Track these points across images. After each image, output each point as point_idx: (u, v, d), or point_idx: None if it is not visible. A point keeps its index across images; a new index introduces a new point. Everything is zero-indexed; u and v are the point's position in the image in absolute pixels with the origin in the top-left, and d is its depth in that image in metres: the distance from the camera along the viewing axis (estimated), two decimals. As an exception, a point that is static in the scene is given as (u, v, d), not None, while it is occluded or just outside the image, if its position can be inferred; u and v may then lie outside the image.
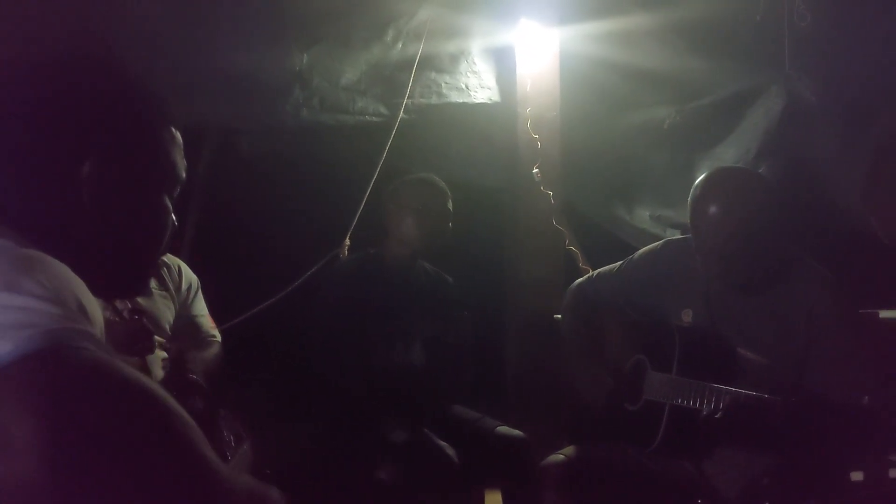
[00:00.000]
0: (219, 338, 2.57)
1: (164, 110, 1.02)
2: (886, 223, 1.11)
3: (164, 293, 2.44)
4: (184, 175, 1.04)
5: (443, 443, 2.42)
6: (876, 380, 1.95)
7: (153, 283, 2.42)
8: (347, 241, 3.01)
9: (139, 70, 1.01)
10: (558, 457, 2.15)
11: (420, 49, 3.19)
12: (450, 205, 2.68)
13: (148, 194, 0.99)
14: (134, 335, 2.16)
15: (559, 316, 2.65)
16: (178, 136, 1.03)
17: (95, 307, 0.82)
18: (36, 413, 0.67)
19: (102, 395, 0.70)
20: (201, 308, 2.56)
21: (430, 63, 3.27)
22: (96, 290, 0.84)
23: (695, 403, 1.92)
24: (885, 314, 2.81)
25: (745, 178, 2.10)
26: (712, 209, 1.98)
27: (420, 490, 2.36)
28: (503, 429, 2.55)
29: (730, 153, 3.43)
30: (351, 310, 2.54)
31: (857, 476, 2.65)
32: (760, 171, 3.15)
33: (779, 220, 2.01)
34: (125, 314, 2.18)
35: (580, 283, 2.45)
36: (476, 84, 3.36)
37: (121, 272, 1.00)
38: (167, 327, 2.40)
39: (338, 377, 2.50)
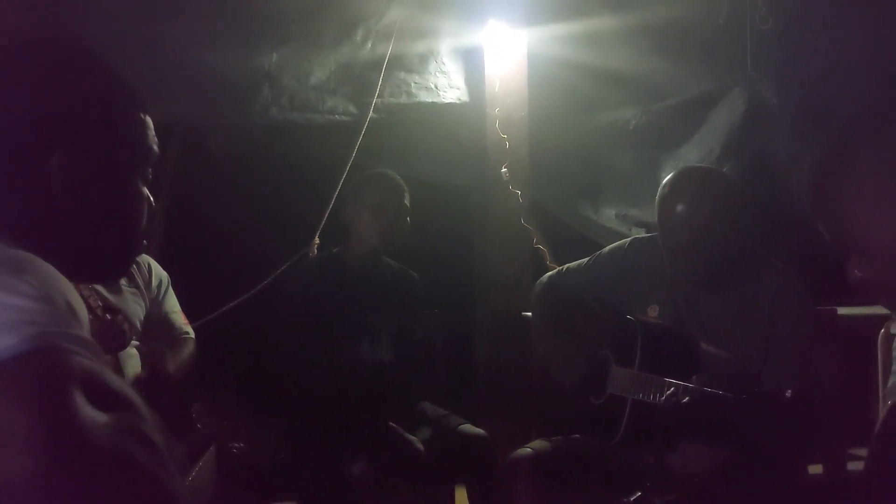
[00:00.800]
0: (192, 334, 2.57)
1: (132, 94, 1.01)
2: (830, 224, 1.15)
3: (133, 290, 2.43)
4: (156, 153, 1.03)
5: (411, 437, 2.44)
6: (833, 375, 2.00)
7: (123, 281, 2.41)
8: (317, 240, 3.02)
9: (103, 55, 1.00)
10: (525, 450, 2.18)
11: (389, 49, 3.20)
12: (407, 200, 2.66)
13: (121, 179, 0.99)
14: (107, 332, 2.15)
15: (527, 313, 2.69)
16: (149, 119, 1.02)
17: (82, 307, 0.82)
18: (26, 415, 0.67)
19: (91, 400, 0.71)
20: (173, 305, 2.55)
21: (399, 63, 3.29)
22: (81, 276, 0.84)
23: (655, 398, 1.96)
24: (842, 311, 2.88)
25: (712, 178, 2.15)
26: (679, 207, 2.02)
27: (390, 484, 2.38)
28: (465, 427, 2.54)
29: (693, 153, 3.49)
30: (314, 310, 2.53)
31: (815, 469, 2.72)
32: (723, 171, 3.21)
33: (743, 219, 2.06)
34: (98, 312, 2.18)
35: (549, 277, 2.48)
36: (445, 84, 3.38)
37: (103, 256, 0.99)
38: (138, 324, 2.40)
39: (304, 377, 2.51)
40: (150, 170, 1.02)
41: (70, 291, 0.81)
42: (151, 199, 1.02)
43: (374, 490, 2.33)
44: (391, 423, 2.48)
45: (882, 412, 2.48)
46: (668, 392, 1.88)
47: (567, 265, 2.46)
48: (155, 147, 1.02)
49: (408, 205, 2.66)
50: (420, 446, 2.42)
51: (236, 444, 1.45)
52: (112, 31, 2.76)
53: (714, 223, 2.00)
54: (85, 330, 0.79)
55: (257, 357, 2.69)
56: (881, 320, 2.61)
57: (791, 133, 3.44)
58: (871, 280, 1.10)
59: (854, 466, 2.78)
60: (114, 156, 0.97)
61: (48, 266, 0.82)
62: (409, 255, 2.80)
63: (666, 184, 2.08)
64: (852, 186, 1.07)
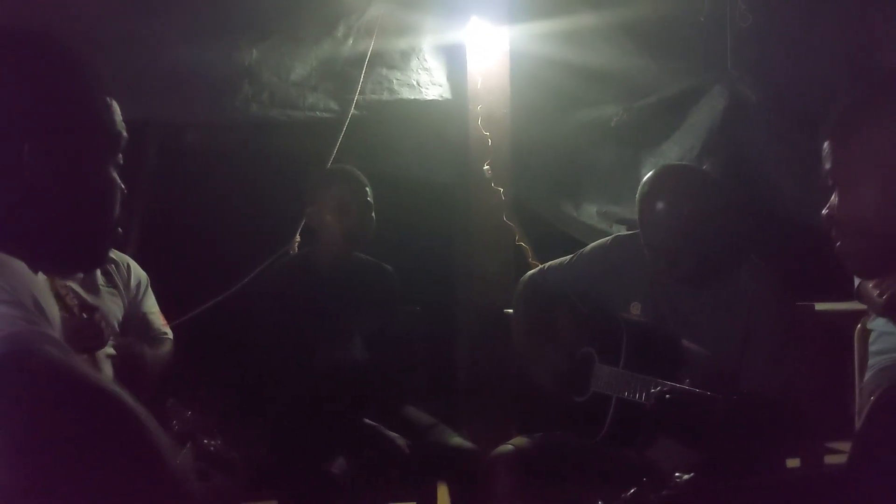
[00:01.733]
0: (170, 335, 2.55)
1: (97, 78, 0.99)
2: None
3: (112, 290, 2.41)
4: (125, 138, 1.01)
5: (393, 434, 2.43)
6: (811, 370, 2.02)
7: (101, 280, 2.39)
8: (297, 238, 3.00)
9: (64, 41, 0.98)
10: (507, 447, 2.18)
11: (371, 45, 3.19)
12: (369, 194, 2.58)
13: (92, 165, 0.97)
14: (84, 331, 2.13)
15: (509, 310, 2.69)
16: (114, 103, 1.00)
17: (52, 305, 0.81)
18: (3, 416, 0.66)
19: (63, 399, 0.70)
20: (151, 305, 2.53)
21: (381, 59, 3.27)
22: (56, 267, 0.82)
23: (640, 397, 1.97)
24: (820, 306, 2.91)
25: (692, 176, 2.17)
26: (659, 205, 2.04)
27: (371, 481, 2.37)
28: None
29: (674, 150, 3.51)
30: (285, 313, 2.50)
31: (794, 462, 2.75)
32: (704, 168, 3.23)
33: (723, 217, 2.08)
34: (75, 310, 2.16)
35: (531, 275, 2.48)
36: (427, 81, 3.37)
37: (78, 244, 0.98)
38: (116, 324, 2.37)
39: (279, 377, 2.48)
40: (120, 156, 1.00)
41: (39, 289, 0.80)
42: (123, 186, 1.00)
43: (354, 488, 2.32)
44: (371, 422, 2.46)
45: (859, 406, 2.51)
46: (654, 390, 1.89)
47: (549, 263, 2.47)
48: (124, 132, 1.01)
49: (371, 200, 2.58)
50: (402, 443, 2.41)
51: (212, 442, 1.44)
52: (89, 27, 2.73)
53: (694, 221, 2.01)
54: (56, 330, 0.78)
55: (234, 357, 2.67)
56: (858, 316, 2.64)
57: (771, 130, 3.47)
58: (844, 248, 1.15)
59: (832, 460, 2.82)
60: (84, 142, 0.96)
61: (17, 263, 0.81)
62: (391, 252, 2.78)
63: (646, 182, 2.10)
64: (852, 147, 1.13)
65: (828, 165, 1.18)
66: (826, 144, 1.18)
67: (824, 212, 1.21)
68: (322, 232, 2.60)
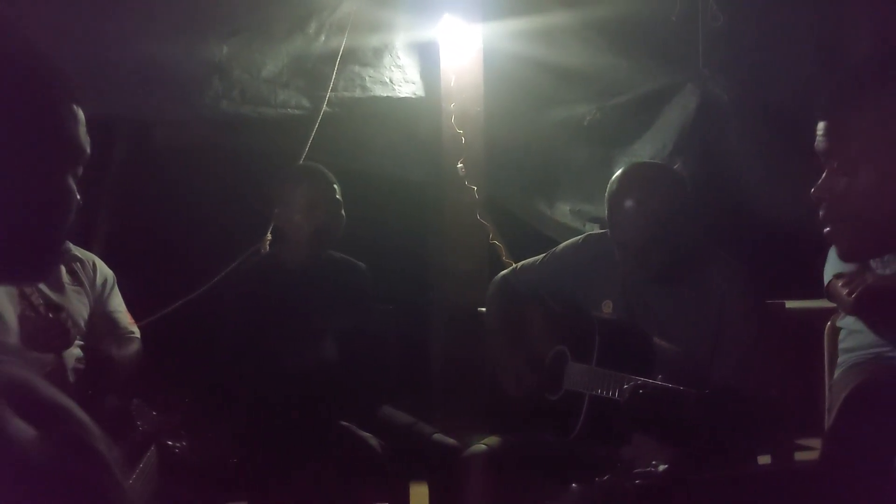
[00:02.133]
0: (137, 334, 2.51)
1: (63, 85, 0.95)
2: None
3: (77, 288, 2.37)
4: (88, 152, 0.98)
5: (366, 434, 2.41)
6: (781, 368, 2.04)
7: (66, 279, 2.35)
8: (269, 236, 2.96)
9: (33, 44, 0.95)
10: (480, 447, 2.17)
11: (343, 42, 3.17)
12: (338, 192, 2.54)
13: (50, 175, 0.94)
14: (50, 331, 2.09)
15: (483, 309, 2.68)
16: (80, 112, 0.96)
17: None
18: None
19: (17, 411, 0.67)
20: (118, 304, 2.49)
21: (353, 56, 3.25)
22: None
23: (613, 394, 1.97)
24: (791, 304, 2.93)
25: (658, 173, 2.18)
26: (627, 203, 2.05)
27: (343, 483, 2.35)
28: (439, 436, 2.49)
29: (647, 149, 3.53)
30: (254, 315, 2.46)
31: (765, 459, 2.77)
32: (676, 166, 3.25)
33: (691, 214, 2.09)
34: (41, 309, 2.12)
35: (503, 275, 2.48)
36: (400, 78, 3.36)
37: (26, 257, 0.95)
38: (82, 323, 2.34)
39: (248, 379, 2.45)
40: (81, 166, 0.96)
41: None
42: (78, 196, 0.97)
43: (325, 489, 2.29)
44: (344, 423, 2.44)
45: (829, 403, 2.53)
46: (627, 386, 1.89)
47: (521, 263, 2.46)
48: (86, 145, 0.97)
49: (340, 198, 2.54)
50: (374, 443, 2.39)
51: (178, 444, 1.41)
52: (55, 21, 2.68)
53: (661, 217, 2.02)
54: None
55: (203, 358, 2.62)
56: (828, 314, 2.66)
57: (743, 128, 3.50)
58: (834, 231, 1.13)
59: (802, 457, 2.84)
60: (43, 149, 0.92)
61: None
62: (364, 250, 2.76)
63: (614, 180, 2.11)
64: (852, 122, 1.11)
65: (822, 145, 1.16)
66: (821, 125, 1.16)
67: (813, 191, 1.18)
68: (291, 232, 2.55)
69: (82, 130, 0.96)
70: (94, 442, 0.70)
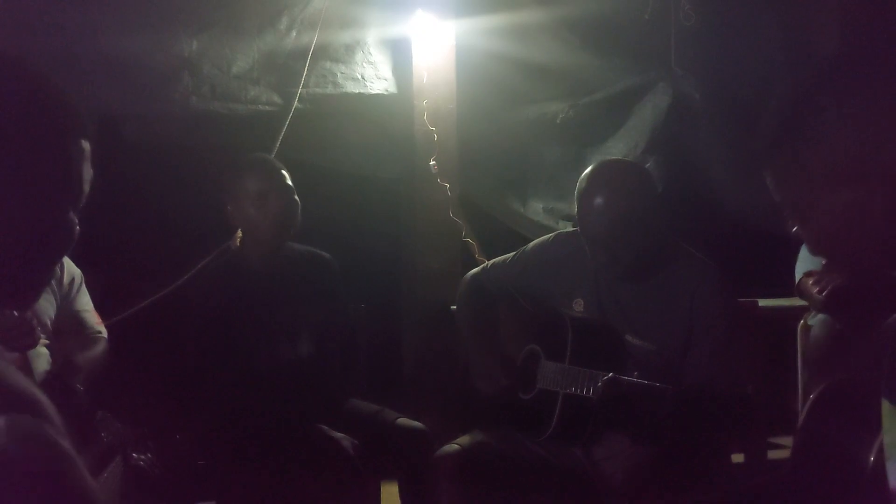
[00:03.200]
0: (105, 333, 2.47)
1: (73, 120, 0.93)
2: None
3: (43, 287, 2.32)
4: (90, 184, 0.96)
5: (338, 434, 2.38)
6: (754, 366, 2.05)
7: (32, 277, 2.30)
8: (239, 233, 2.92)
9: (45, 77, 0.92)
10: (452, 447, 2.16)
11: (315, 38, 3.14)
12: (287, 178, 2.48)
13: (51, 209, 0.91)
14: (16, 329, 2.04)
15: (455, 307, 2.67)
16: (87, 146, 0.94)
17: None
18: None
19: None
20: (85, 303, 2.44)
21: (325, 52, 3.22)
22: None
23: (587, 392, 1.96)
24: (763, 303, 2.95)
25: (626, 170, 2.19)
26: (596, 200, 2.05)
27: (314, 484, 2.32)
28: (403, 420, 2.48)
29: (619, 147, 3.54)
30: (217, 316, 2.41)
31: (738, 458, 2.79)
32: (648, 165, 3.26)
33: (659, 210, 2.10)
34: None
35: (474, 274, 2.47)
36: (372, 75, 3.34)
37: (18, 287, 0.93)
38: (48, 322, 2.29)
39: (215, 382, 2.41)
40: (82, 201, 0.94)
41: None
42: (78, 226, 0.95)
43: (296, 490, 2.27)
44: (317, 424, 2.41)
45: (802, 401, 2.55)
46: (601, 382, 1.89)
47: (492, 261, 2.45)
48: (90, 178, 0.95)
49: (291, 184, 2.48)
50: (347, 443, 2.37)
51: (143, 456, 1.38)
52: (19, 12, 2.63)
53: (630, 214, 2.03)
54: None
55: (170, 360, 2.58)
56: (801, 312, 2.69)
57: (714, 127, 3.52)
58: (811, 237, 1.07)
59: (775, 455, 2.86)
60: (47, 185, 0.90)
61: None
62: (335, 247, 2.73)
63: (583, 178, 2.11)
64: (807, 147, 1.03)
65: (778, 196, 1.08)
66: (768, 179, 1.09)
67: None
68: (248, 226, 2.50)
69: (87, 165, 0.94)
70: (59, 436, 0.68)
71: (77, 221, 0.94)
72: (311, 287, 2.55)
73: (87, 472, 0.71)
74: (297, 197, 2.49)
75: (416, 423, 2.47)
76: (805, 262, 2.51)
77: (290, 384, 2.40)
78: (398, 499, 2.44)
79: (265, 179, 2.46)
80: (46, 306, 2.31)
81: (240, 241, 2.64)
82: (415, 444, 2.37)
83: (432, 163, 3.28)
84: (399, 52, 3.36)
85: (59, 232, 0.93)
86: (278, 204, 2.45)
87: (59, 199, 0.92)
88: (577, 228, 2.19)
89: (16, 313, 2.07)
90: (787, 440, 2.85)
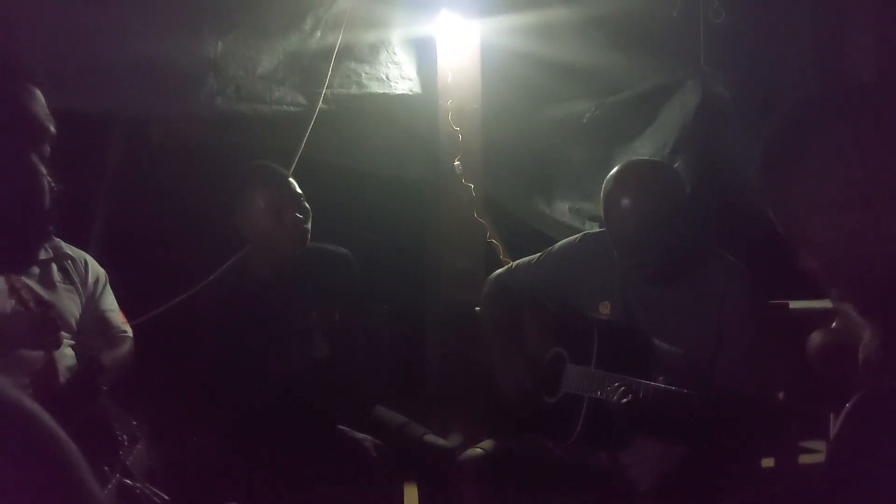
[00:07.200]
0: (130, 333, 2.48)
1: (15, 64, 0.94)
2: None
3: (68, 286, 2.34)
4: (51, 131, 0.95)
5: (361, 435, 2.37)
6: (785, 370, 2.00)
7: (57, 277, 2.32)
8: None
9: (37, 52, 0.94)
10: (476, 451, 2.14)
11: (339, 38, 3.13)
12: (296, 187, 2.41)
13: (10, 154, 0.91)
14: (40, 327, 2.06)
15: (479, 308, 2.64)
16: (38, 91, 0.95)
17: None
18: None
19: None
20: (110, 303, 2.46)
21: (349, 53, 3.22)
22: None
23: (613, 396, 1.93)
24: (794, 305, 2.89)
25: (653, 170, 2.15)
26: (623, 201, 2.02)
27: (337, 486, 2.31)
28: (430, 437, 2.43)
29: (647, 147, 3.49)
30: (234, 323, 2.39)
31: (768, 462, 2.73)
32: (676, 165, 3.21)
33: (687, 211, 2.06)
34: (31, 304, 2.08)
35: (499, 275, 2.44)
36: (397, 75, 3.32)
37: (5, 241, 0.92)
38: (73, 322, 2.31)
39: (242, 386, 2.39)
40: (46, 147, 0.93)
41: None
42: (51, 180, 0.94)
43: (320, 492, 2.26)
44: (340, 426, 2.40)
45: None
46: (629, 390, 1.86)
47: (517, 262, 2.43)
48: (49, 124, 0.95)
49: (300, 192, 2.41)
50: (370, 445, 2.35)
51: (137, 485, 1.37)
52: (49, 16, 2.65)
53: (657, 215, 1.99)
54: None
55: (193, 362, 2.57)
56: (833, 314, 2.62)
57: (744, 126, 3.46)
58: (820, 271, 1.09)
59: (806, 460, 2.80)
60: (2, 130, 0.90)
61: None
62: (359, 249, 2.72)
63: (610, 178, 2.08)
64: (804, 177, 1.05)
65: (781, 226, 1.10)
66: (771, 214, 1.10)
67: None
68: (260, 241, 2.44)
69: (41, 109, 0.94)
70: (60, 451, 0.66)
71: (45, 171, 0.93)
72: (327, 286, 2.51)
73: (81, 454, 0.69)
74: (307, 203, 2.44)
75: (443, 441, 2.43)
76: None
77: (311, 387, 2.39)
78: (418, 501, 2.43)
79: (274, 191, 2.40)
80: (71, 306, 2.32)
81: (252, 249, 2.58)
82: (441, 463, 2.34)
83: (457, 163, 3.26)
84: (423, 52, 3.35)
85: (25, 177, 0.92)
86: (291, 216, 2.39)
87: (16, 143, 0.91)
88: (604, 229, 2.16)
89: (42, 308, 2.08)
90: (820, 444, 2.79)
